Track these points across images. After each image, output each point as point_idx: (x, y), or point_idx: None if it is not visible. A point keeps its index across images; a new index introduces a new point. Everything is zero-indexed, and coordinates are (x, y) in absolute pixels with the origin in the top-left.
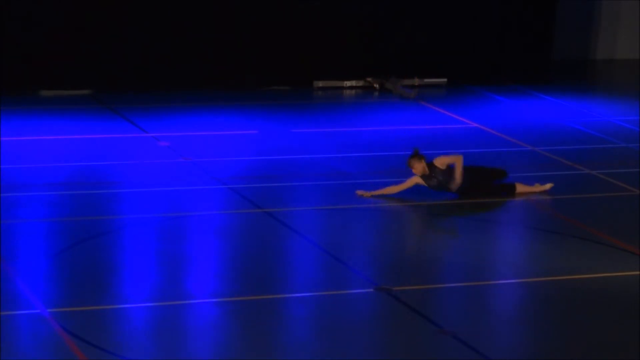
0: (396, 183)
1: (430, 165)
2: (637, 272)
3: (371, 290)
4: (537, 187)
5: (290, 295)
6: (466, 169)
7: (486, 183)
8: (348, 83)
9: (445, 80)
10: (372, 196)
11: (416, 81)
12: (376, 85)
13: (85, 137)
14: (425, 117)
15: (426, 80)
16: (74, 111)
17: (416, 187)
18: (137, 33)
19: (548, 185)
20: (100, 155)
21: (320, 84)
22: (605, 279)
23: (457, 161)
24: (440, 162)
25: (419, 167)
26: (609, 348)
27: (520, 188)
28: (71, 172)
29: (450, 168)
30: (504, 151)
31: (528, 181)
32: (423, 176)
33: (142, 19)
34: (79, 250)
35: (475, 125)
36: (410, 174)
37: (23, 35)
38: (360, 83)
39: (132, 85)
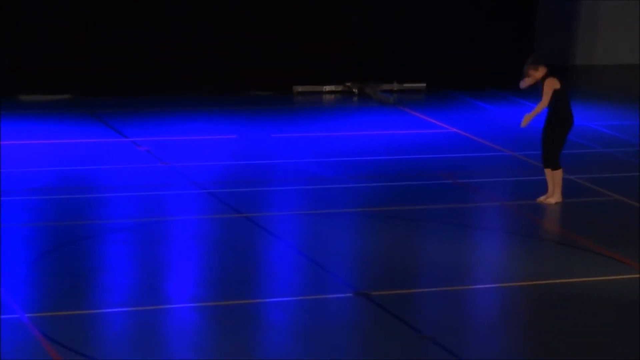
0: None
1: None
2: (615, 277)
3: (350, 295)
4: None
5: (269, 300)
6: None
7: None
8: (327, 88)
9: (424, 85)
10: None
11: (395, 86)
12: (355, 90)
13: (64, 141)
14: (404, 122)
15: (405, 85)
16: (54, 116)
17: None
18: (117, 38)
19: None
20: (79, 159)
21: (300, 88)
22: (584, 283)
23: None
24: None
25: (537, 74)
26: (586, 351)
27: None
28: (51, 177)
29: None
30: (483, 156)
31: (507, 186)
32: (554, 73)
33: (122, 24)
34: (58, 255)
35: (454, 130)
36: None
37: (1, 40)
38: (340, 88)
39: (112, 90)
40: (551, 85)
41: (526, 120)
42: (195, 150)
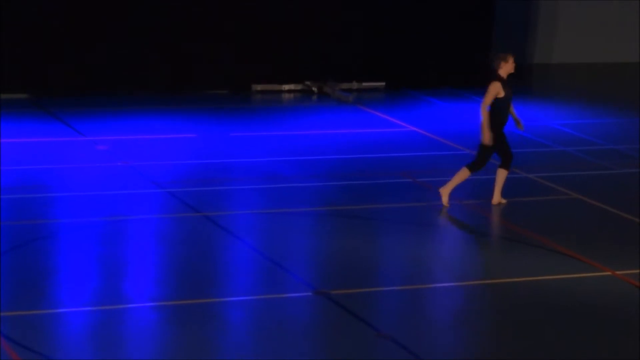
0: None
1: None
2: (575, 275)
3: (309, 294)
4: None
5: (228, 299)
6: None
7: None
8: (286, 87)
9: (383, 84)
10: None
11: (354, 85)
12: (314, 89)
13: (22, 140)
14: (363, 120)
15: (364, 84)
16: (11, 115)
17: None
18: (75, 37)
19: (502, 201)
20: (37, 159)
21: (259, 87)
22: (542, 281)
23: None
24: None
25: (507, 66)
26: (544, 349)
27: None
28: (8, 176)
29: None
30: (441, 155)
31: (465, 184)
32: (501, 80)
33: (80, 23)
34: (15, 255)
35: (413, 128)
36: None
37: None
38: (299, 87)
39: (70, 89)
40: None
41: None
42: (154, 149)
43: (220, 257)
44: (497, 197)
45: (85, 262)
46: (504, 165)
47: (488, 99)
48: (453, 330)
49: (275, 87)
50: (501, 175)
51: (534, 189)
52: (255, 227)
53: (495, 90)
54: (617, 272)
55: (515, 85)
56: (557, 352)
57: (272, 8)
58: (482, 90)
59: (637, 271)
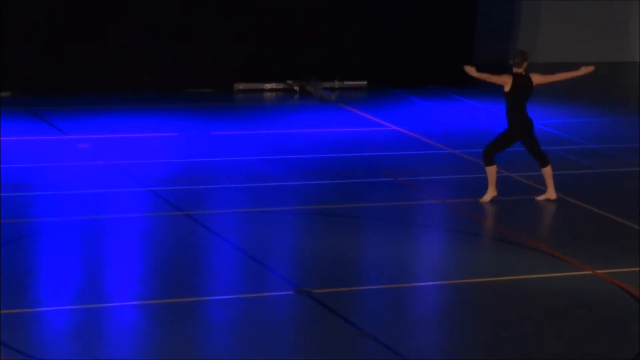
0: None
1: (526, 74)
2: (557, 274)
3: (291, 292)
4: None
5: (210, 297)
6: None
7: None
8: (268, 86)
9: (365, 83)
10: (477, 75)
11: (336, 84)
12: (296, 88)
13: (3, 139)
14: (345, 119)
15: (346, 82)
16: None
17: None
18: (57, 35)
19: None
20: (19, 157)
21: (241, 86)
22: (525, 280)
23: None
24: (536, 78)
25: (522, 63)
26: (525, 348)
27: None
28: None
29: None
30: (424, 154)
31: (448, 183)
32: (516, 76)
33: (62, 21)
34: None
35: (395, 128)
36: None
37: None
38: (281, 86)
39: (52, 88)
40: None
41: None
42: (136, 147)
43: (203, 256)
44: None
45: (67, 261)
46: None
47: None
48: (435, 329)
49: (258, 86)
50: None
51: (516, 188)
52: (237, 226)
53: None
54: (598, 271)
55: (497, 85)
56: (537, 351)
57: (254, 7)
58: (465, 90)
59: (617, 270)
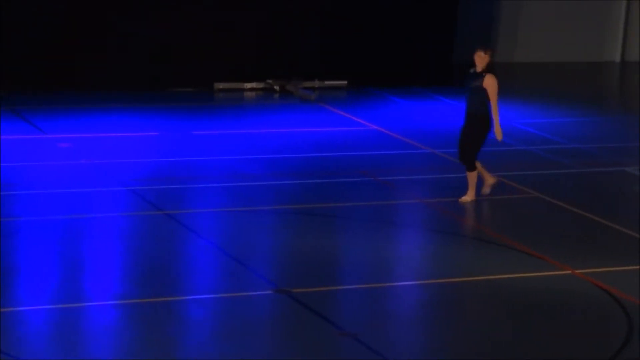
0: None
1: (481, 73)
2: (536, 274)
3: (271, 292)
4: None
5: (190, 297)
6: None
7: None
8: (249, 85)
9: (345, 82)
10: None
11: (317, 83)
12: (277, 88)
13: None
14: (325, 119)
15: (327, 82)
16: None
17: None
18: (36, 33)
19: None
20: None
21: (221, 86)
22: (504, 280)
23: (494, 102)
24: (489, 81)
25: (482, 60)
26: (504, 347)
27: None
28: None
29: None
30: (403, 154)
31: (427, 183)
32: (467, 73)
33: (41, 19)
34: None
35: (375, 127)
36: None
37: None
38: (261, 85)
39: (32, 86)
40: (496, 83)
41: (499, 131)
42: (117, 147)
43: (183, 256)
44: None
45: (46, 260)
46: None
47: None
48: (415, 328)
49: (238, 85)
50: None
51: (496, 188)
52: (217, 225)
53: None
54: (577, 271)
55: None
56: (516, 350)
57: (233, 7)
58: (445, 90)
59: (596, 270)
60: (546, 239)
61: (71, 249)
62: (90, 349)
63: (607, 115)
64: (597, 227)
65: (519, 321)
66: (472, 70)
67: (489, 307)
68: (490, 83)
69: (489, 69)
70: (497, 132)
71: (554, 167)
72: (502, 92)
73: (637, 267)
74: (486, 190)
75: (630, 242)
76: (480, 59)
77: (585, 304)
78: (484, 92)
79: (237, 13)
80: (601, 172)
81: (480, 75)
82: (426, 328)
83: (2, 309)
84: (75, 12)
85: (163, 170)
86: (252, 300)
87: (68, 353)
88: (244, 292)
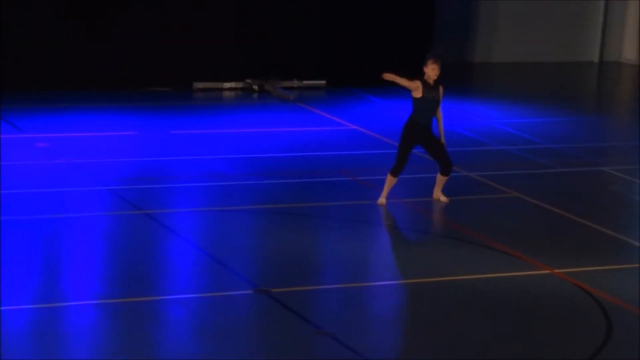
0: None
1: (436, 84)
2: (514, 273)
3: (250, 291)
4: (437, 193)
5: (169, 297)
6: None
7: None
8: (227, 85)
9: (324, 82)
10: (391, 78)
11: (295, 83)
12: (255, 87)
13: None
14: (304, 118)
15: (305, 82)
16: None
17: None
18: (14, 31)
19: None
20: None
21: (200, 85)
22: (482, 280)
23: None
24: (442, 92)
25: (432, 71)
26: (483, 348)
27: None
28: None
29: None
30: (382, 153)
31: (405, 183)
32: (426, 84)
33: (20, 17)
34: None
35: (354, 127)
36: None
37: None
38: (240, 85)
39: (9, 85)
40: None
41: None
42: (95, 146)
43: (162, 255)
44: (436, 193)
45: (25, 260)
46: (443, 173)
47: (404, 82)
48: (393, 327)
49: (217, 85)
50: (440, 178)
51: (474, 187)
52: (197, 225)
53: (412, 85)
54: (556, 271)
55: (455, 84)
56: (496, 350)
57: (212, 6)
58: None
59: (576, 269)
60: (525, 238)
61: (50, 248)
62: (70, 349)
63: (585, 116)
64: (576, 227)
65: (497, 321)
66: (430, 82)
67: (468, 306)
68: (442, 94)
69: (439, 79)
70: (443, 141)
71: (533, 167)
72: (481, 91)
73: (616, 266)
74: (382, 201)
75: (609, 242)
76: (435, 71)
77: (564, 304)
78: (438, 104)
79: (215, 12)
80: (579, 172)
81: (437, 87)
82: (404, 327)
83: None
84: (52, 12)
85: (142, 169)
86: (232, 300)
87: (48, 354)
88: (224, 291)
